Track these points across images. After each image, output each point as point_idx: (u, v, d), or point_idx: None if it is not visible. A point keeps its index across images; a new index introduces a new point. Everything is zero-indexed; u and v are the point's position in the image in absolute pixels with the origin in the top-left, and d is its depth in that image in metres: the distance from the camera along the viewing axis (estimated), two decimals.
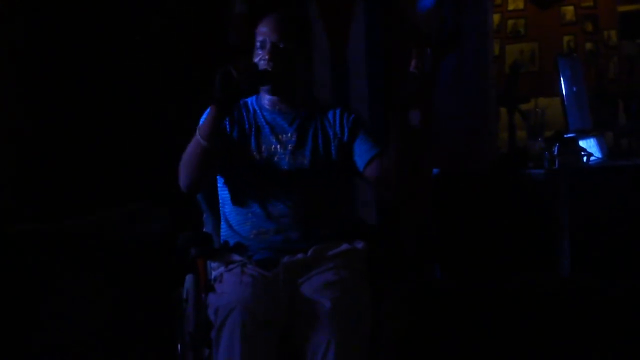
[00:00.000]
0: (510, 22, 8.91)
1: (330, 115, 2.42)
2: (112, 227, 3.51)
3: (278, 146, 2.37)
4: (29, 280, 3.20)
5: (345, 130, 2.39)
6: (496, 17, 8.42)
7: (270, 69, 2.28)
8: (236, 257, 2.31)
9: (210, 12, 4.00)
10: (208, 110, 2.34)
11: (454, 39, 4.30)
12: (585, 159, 4.02)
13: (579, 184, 4.09)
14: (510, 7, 8.91)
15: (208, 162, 2.26)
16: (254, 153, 2.36)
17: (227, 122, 2.38)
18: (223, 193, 2.43)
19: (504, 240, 4.16)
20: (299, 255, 2.29)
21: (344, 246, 2.33)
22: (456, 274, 3.88)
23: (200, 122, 2.33)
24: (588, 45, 8.69)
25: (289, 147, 2.37)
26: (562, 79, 4.07)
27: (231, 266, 2.29)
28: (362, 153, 2.36)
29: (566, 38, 8.74)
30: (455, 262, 3.95)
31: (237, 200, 2.38)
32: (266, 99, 2.43)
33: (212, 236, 2.46)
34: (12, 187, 3.64)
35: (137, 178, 3.75)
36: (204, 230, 2.53)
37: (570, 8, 8.73)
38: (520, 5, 8.90)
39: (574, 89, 4.15)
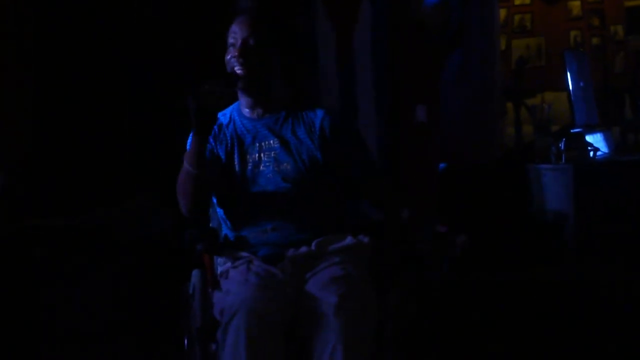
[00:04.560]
0: (516, 17, 8.89)
1: (311, 116, 2.39)
2: (120, 223, 3.52)
3: (262, 154, 2.36)
4: (39, 274, 3.21)
5: (326, 132, 2.37)
6: (502, 12, 8.39)
7: (240, 66, 2.28)
8: (243, 254, 2.32)
9: (214, 8, 4.00)
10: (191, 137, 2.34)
11: (459, 34, 4.30)
12: (591, 153, 4.02)
13: (586, 178, 4.09)
14: (517, 2, 8.88)
15: (201, 188, 2.29)
16: (239, 167, 2.36)
17: (212, 140, 2.37)
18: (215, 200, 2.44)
19: (510, 234, 4.16)
20: (304, 248, 2.29)
21: (349, 240, 2.33)
22: (463, 268, 3.88)
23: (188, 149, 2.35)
24: (595, 40, 8.66)
25: (272, 154, 2.35)
26: (568, 74, 4.07)
27: (237, 262, 2.29)
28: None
29: (573, 33, 8.72)
30: (462, 256, 3.95)
31: (230, 210, 2.39)
32: (245, 104, 2.41)
33: (218, 231, 2.46)
34: (24, 183, 3.66)
35: (145, 173, 3.77)
36: (210, 225, 2.53)
37: (577, 3, 8.71)
38: (527, 0, 8.87)
39: (581, 84, 4.15)
